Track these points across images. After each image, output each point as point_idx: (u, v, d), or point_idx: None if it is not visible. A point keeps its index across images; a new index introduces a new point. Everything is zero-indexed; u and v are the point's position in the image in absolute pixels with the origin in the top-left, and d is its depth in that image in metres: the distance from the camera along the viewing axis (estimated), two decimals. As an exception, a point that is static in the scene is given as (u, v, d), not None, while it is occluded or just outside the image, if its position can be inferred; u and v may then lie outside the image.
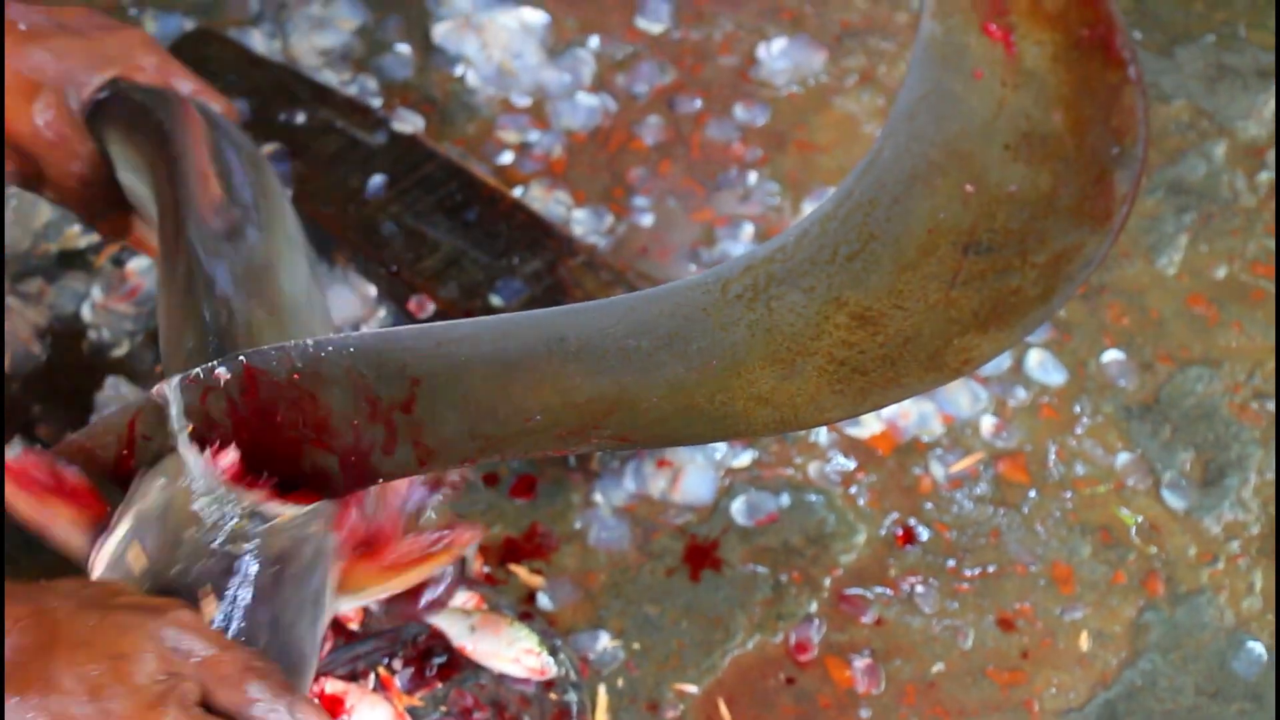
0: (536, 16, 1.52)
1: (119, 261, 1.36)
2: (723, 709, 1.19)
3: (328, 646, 1.09)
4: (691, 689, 1.20)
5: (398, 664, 1.11)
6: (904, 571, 1.25)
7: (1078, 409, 1.33)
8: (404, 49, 1.51)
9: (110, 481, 0.96)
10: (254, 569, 0.89)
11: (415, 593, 1.02)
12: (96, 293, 1.34)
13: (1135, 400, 1.34)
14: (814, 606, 1.24)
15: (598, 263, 1.33)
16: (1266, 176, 1.45)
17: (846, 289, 0.79)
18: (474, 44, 1.51)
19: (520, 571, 1.23)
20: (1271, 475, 1.30)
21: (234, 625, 0.88)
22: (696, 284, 0.83)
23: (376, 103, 1.46)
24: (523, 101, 1.48)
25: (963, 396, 1.32)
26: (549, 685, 1.13)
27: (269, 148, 1.36)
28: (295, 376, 0.90)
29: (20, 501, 0.94)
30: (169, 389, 0.93)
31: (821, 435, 1.31)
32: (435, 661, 1.12)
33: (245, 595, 0.89)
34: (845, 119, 1.48)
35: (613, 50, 1.52)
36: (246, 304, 1.01)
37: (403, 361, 0.88)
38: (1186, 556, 1.27)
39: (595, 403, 0.86)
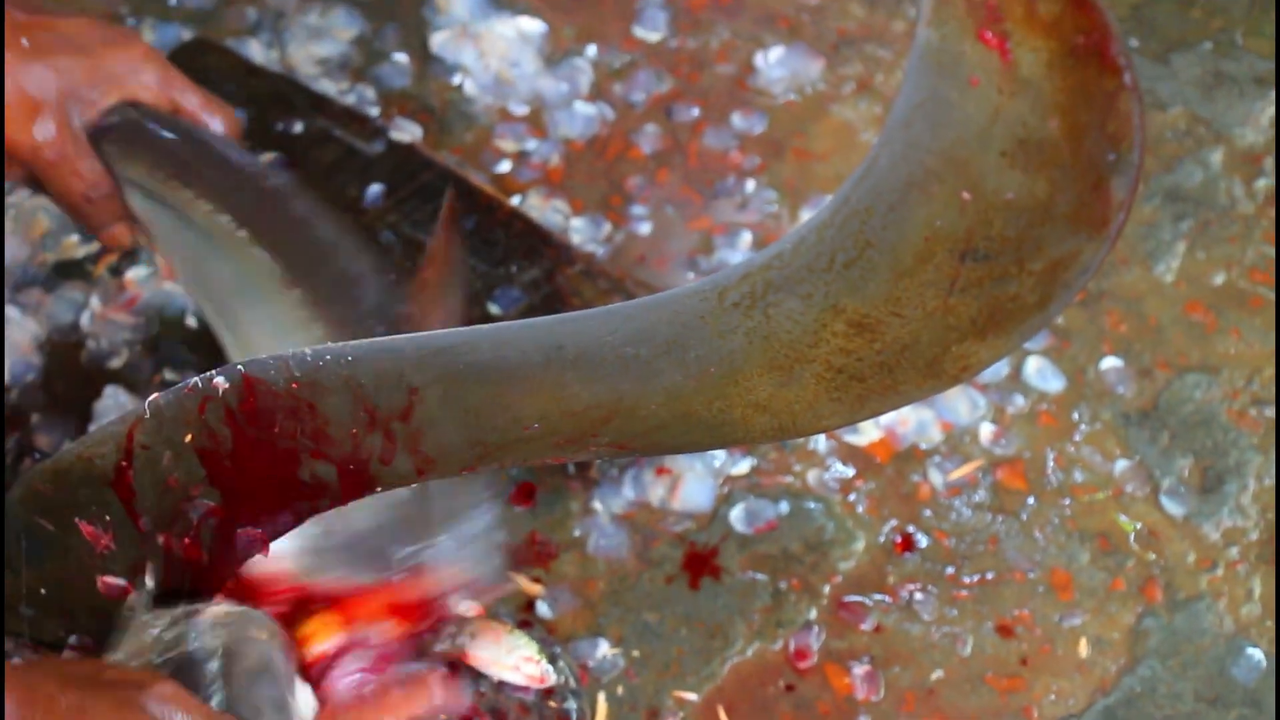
0: (534, 25, 1.52)
1: (117, 271, 1.36)
2: (722, 716, 1.19)
3: None
4: (691, 696, 1.20)
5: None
6: (903, 579, 1.25)
7: (1076, 416, 1.33)
8: (401, 58, 1.51)
9: (110, 491, 0.97)
10: (203, 660, 0.94)
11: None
12: (95, 302, 1.34)
13: (1134, 407, 1.34)
14: (813, 614, 1.24)
15: (595, 271, 1.33)
16: (1264, 183, 1.45)
17: (844, 296, 0.79)
18: (472, 53, 1.51)
19: (519, 579, 1.23)
20: (1270, 481, 1.30)
21: (214, 700, 0.93)
22: (694, 292, 0.84)
23: (374, 112, 1.46)
24: (520, 110, 1.48)
25: (961, 404, 1.32)
26: (549, 693, 1.13)
27: (267, 156, 1.36)
28: (294, 385, 0.90)
29: None
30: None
31: (820, 443, 1.31)
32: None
33: (209, 685, 0.94)
34: (842, 127, 1.48)
35: (610, 59, 1.52)
36: None
37: (401, 370, 0.89)
38: (1185, 563, 1.27)
39: (593, 410, 0.86)
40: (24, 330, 1.32)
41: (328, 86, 1.47)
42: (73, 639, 1.03)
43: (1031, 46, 0.68)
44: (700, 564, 1.25)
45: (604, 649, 1.21)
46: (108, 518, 0.98)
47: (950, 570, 1.26)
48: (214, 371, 0.92)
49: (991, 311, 0.77)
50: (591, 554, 1.26)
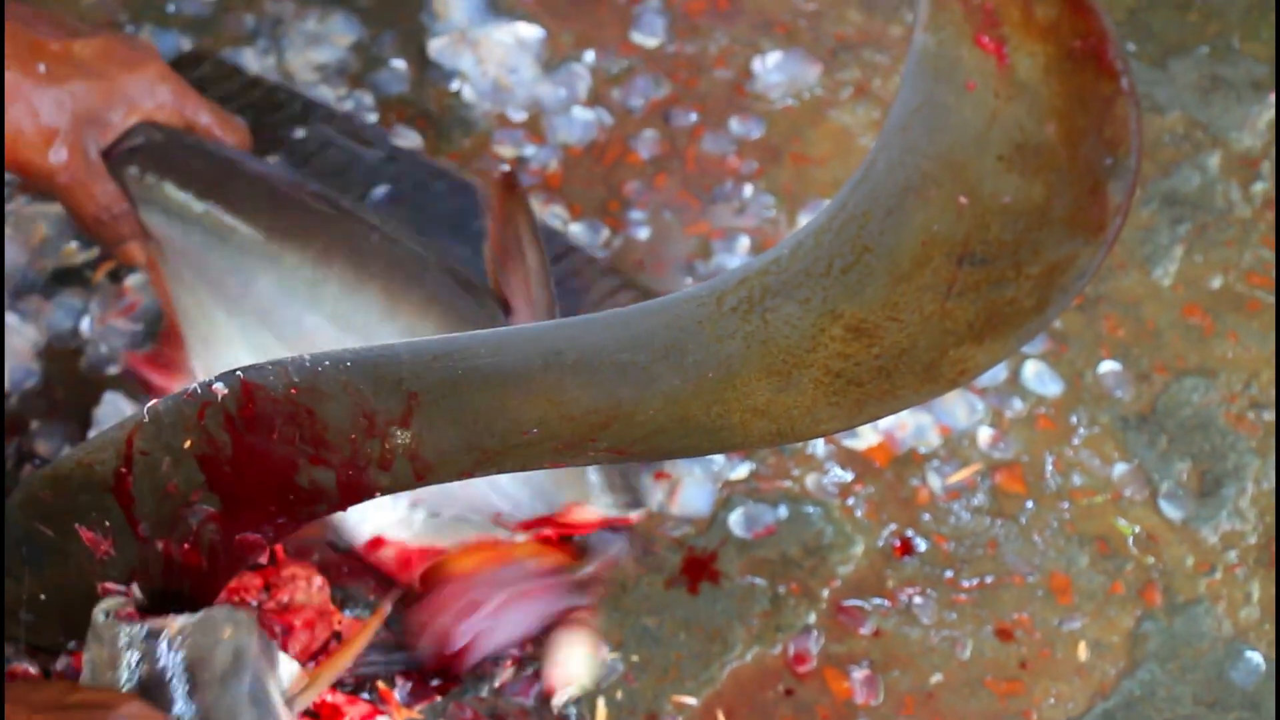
0: (532, 31, 1.52)
1: (116, 277, 1.36)
2: (721, 721, 1.20)
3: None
4: (690, 701, 1.20)
5: (398, 676, 1.12)
6: (902, 583, 1.25)
7: (1074, 420, 1.33)
8: (399, 64, 1.51)
9: (109, 496, 0.97)
10: (169, 678, 0.95)
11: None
12: (94, 309, 1.34)
13: (1132, 411, 1.34)
14: (812, 618, 1.24)
15: (604, 269, 1.33)
16: (1261, 187, 1.46)
17: (841, 301, 0.79)
18: (469, 59, 1.51)
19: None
20: (1268, 485, 1.30)
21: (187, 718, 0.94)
22: (692, 297, 0.84)
23: (373, 118, 1.46)
24: (518, 116, 1.49)
25: (959, 408, 1.32)
26: (548, 697, 1.14)
27: (271, 159, 1.37)
28: (293, 391, 0.90)
29: None
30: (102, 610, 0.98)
31: (819, 447, 1.31)
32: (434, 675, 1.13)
33: (176, 704, 0.94)
34: (840, 132, 1.48)
35: (608, 64, 1.52)
36: None
37: (399, 375, 0.89)
38: (1184, 566, 1.27)
39: (592, 415, 0.86)
40: (23, 336, 1.32)
41: (325, 93, 1.47)
42: (72, 644, 1.03)
43: (1028, 51, 0.68)
44: (699, 569, 1.25)
45: (603, 653, 1.21)
46: (107, 523, 0.98)
47: (949, 574, 1.26)
48: (214, 377, 0.92)
49: (989, 316, 0.77)
50: (590, 559, 1.26)
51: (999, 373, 1.35)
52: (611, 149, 1.47)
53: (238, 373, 0.91)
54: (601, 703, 1.19)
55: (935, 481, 1.30)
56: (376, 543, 1.17)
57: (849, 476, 1.30)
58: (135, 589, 1.00)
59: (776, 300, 0.81)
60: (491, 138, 1.47)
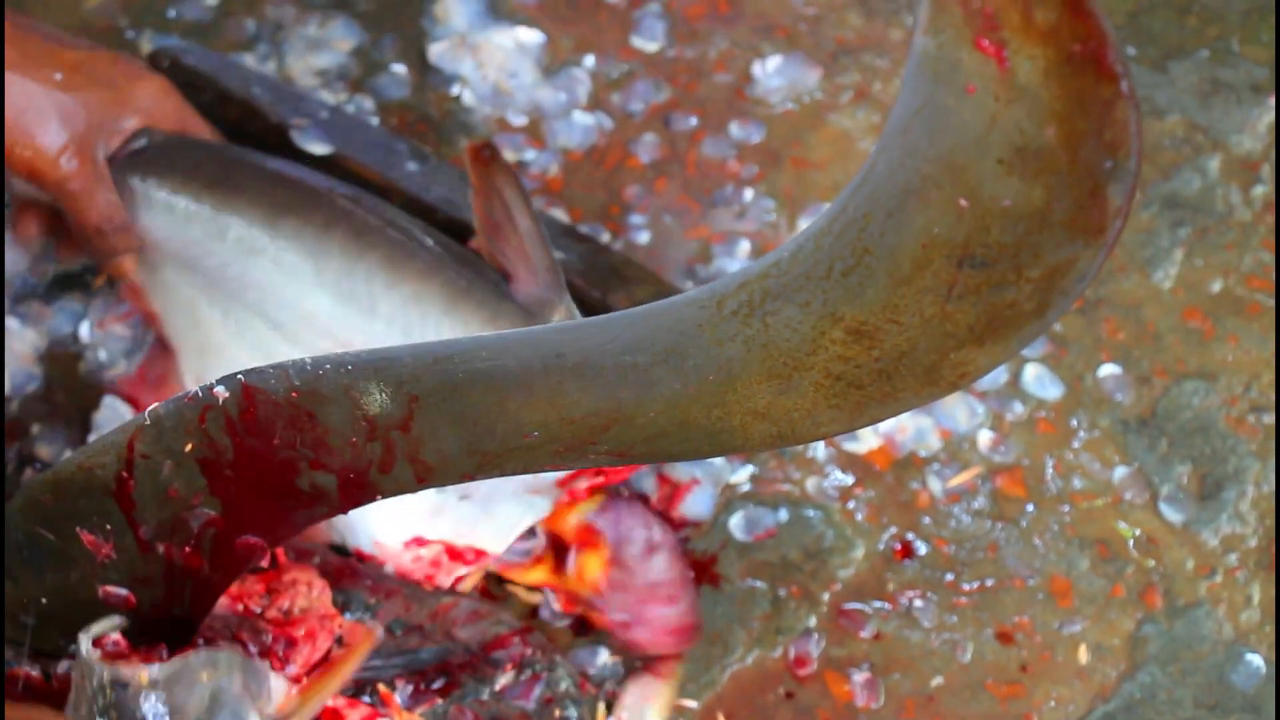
0: (532, 36, 1.52)
1: (115, 283, 1.36)
2: (722, 724, 1.20)
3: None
4: (691, 704, 1.20)
5: (399, 680, 1.12)
6: (902, 586, 1.25)
7: (1075, 423, 1.33)
8: (400, 69, 1.51)
9: (110, 500, 0.97)
10: None
11: None
12: (94, 313, 1.34)
13: (1132, 414, 1.34)
14: (813, 621, 1.24)
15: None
16: (1261, 190, 1.46)
17: (842, 304, 0.79)
18: (470, 64, 1.51)
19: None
20: (1269, 488, 1.30)
21: None
22: (692, 300, 0.84)
23: (374, 122, 1.46)
24: (519, 120, 1.49)
25: (960, 411, 1.32)
26: (549, 701, 1.14)
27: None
28: (294, 395, 0.90)
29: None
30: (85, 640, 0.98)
31: (819, 451, 1.31)
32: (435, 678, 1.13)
33: None
34: (840, 135, 1.48)
35: (608, 69, 1.52)
36: None
37: (400, 379, 0.89)
38: (1184, 569, 1.27)
39: (592, 418, 0.86)
40: (24, 341, 1.32)
41: (326, 98, 1.48)
42: (73, 648, 1.03)
43: (1029, 54, 0.68)
44: (699, 572, 1.25)
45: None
46: (108, 527, 0.98)
47: (950, 577, 1.26)
48: (215, 381, 0.92)
49: (989, 318, 0.77)
50: (591, 562, 1.26)
51: (999, 376, 1.35)
52: (612, 153, 1.47)
53: (239, 376, 0.91)
54: (602, 706, 1.19)
55: (935, 485, 1.30)
56: (418, 542, 1.19)
57: (849, 480, 1.30)
58: (122, 619, 1.00)
59: (777, 303, 0.81)
60: (492, 142, 1.47)
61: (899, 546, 1.27)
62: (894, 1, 1.56)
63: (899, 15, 1.55)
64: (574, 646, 1.21)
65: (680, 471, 1.28)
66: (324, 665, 1.04)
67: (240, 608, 1.08)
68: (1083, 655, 1.23)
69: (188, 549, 0.98)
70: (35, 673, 1.03)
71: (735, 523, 1.28)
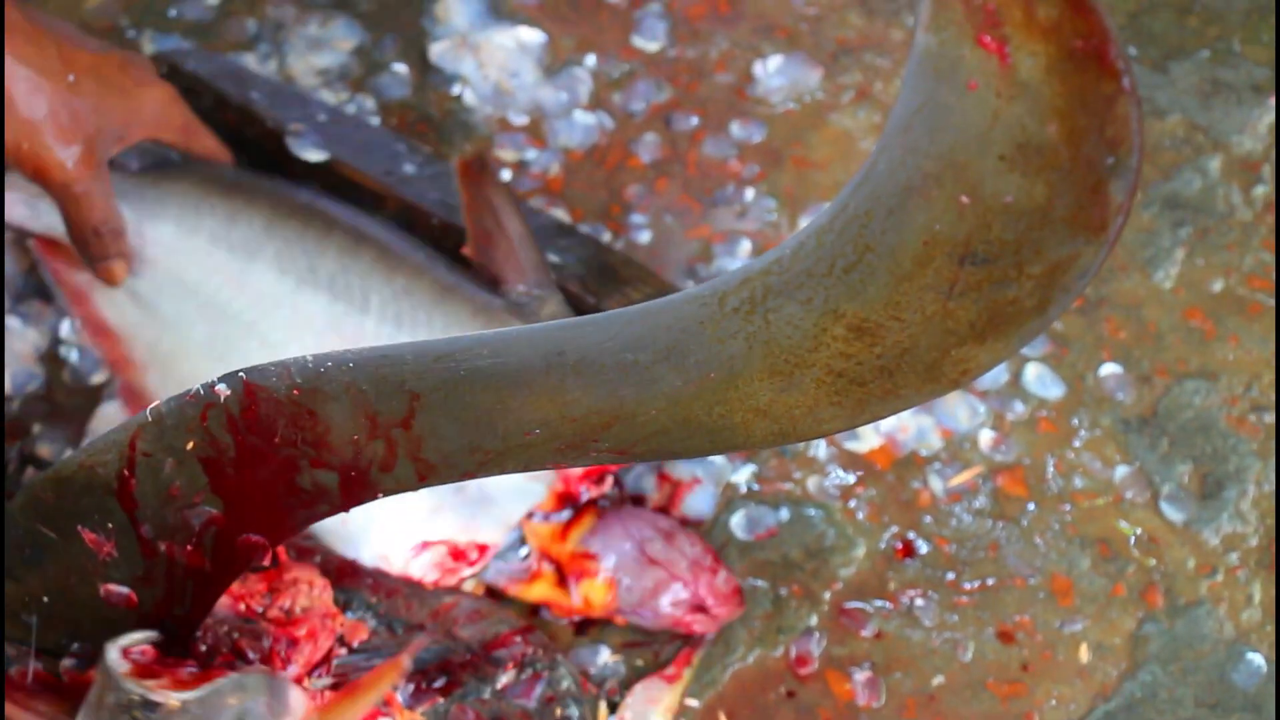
0: (533, 35, 1.52)
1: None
2: (723, 723, 1.20)
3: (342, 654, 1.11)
4: (692, 703, 1.20)
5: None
6: (903, 585, 1.25)
7: (1076, 422, 1.33)
8: (401, 68, 1.51)
9: (112, 498, 0.97)
10: None
11: None
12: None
13: (1133, 413, 1.34)
14: (814, 620, 1.24)
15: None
16: (1262, 190, 1.46)
17: (843, 301, 0.79)
18: (471, 63, 1.51)
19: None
20: (1270, 487, 1.30)
21: None
22: (694, 297, 0.84)
23: (375, 122, 1.46)
24: (520, 120, 1.49)
25: (961, 410, 1.32)
26: (550, 700, 1.14)
27: None
28: (295, 392, 0.90)
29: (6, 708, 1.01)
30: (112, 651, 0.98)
31: (820, 450, 1.31)
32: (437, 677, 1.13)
33: None
34: (841, 135, 1.48)
35: (609, 69, 1.52)
36: None
37: (402, 376, 0.89)
38: (1185, 569, 1.27)
39: (593, 416, 0.86)
40: (25, 340, 1.32)
41: (327, 97, 1.48)
42: (75, 647, 1.03)
43: (1030, 50, 0.68)
44: (701, 571, 1.25)
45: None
46: (110, 526, 0.98)
47: (951, 576, 1.26)
48: (216, 379, 0.92)
49: (991, 315, 0.77)
50: (592, 561, 1.26)
51: (1000, 375, 1.35)
52: (613, 153, 1.47)
53: (240, 374, 0.91)
54: (604, 706, 1.19)
55: (937, 484, 1.30)
56: (424, 546, 1.20)
57: (851, 479, 1.30)
58: (154, 633, 1.00)
59: (779, 300, 0.81)
60: (493, 142, 1.47)
61: (900, 545, 1.27)
62: (895, 1, 1.56)
63: (900, 15, 1.56)
64: (575, 645, 1.21)
65: (681, 470, 1.28)
66: (348, 687, 1.04)
67: (242, 607, 1.08)
68: (1084, 654, 1.23)
69: (189, 547, 0.98)
70: (40, 666, 1.03)
71: (736, 522, 1.28)
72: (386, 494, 0.94)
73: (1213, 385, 1.35)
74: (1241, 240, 1.43)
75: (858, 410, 0.83)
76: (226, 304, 1.26)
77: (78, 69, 1.19)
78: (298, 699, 0.99)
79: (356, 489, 0.93)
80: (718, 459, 1.29)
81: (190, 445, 0.93)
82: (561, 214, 1.42)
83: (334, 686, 1.07)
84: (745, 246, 1.41)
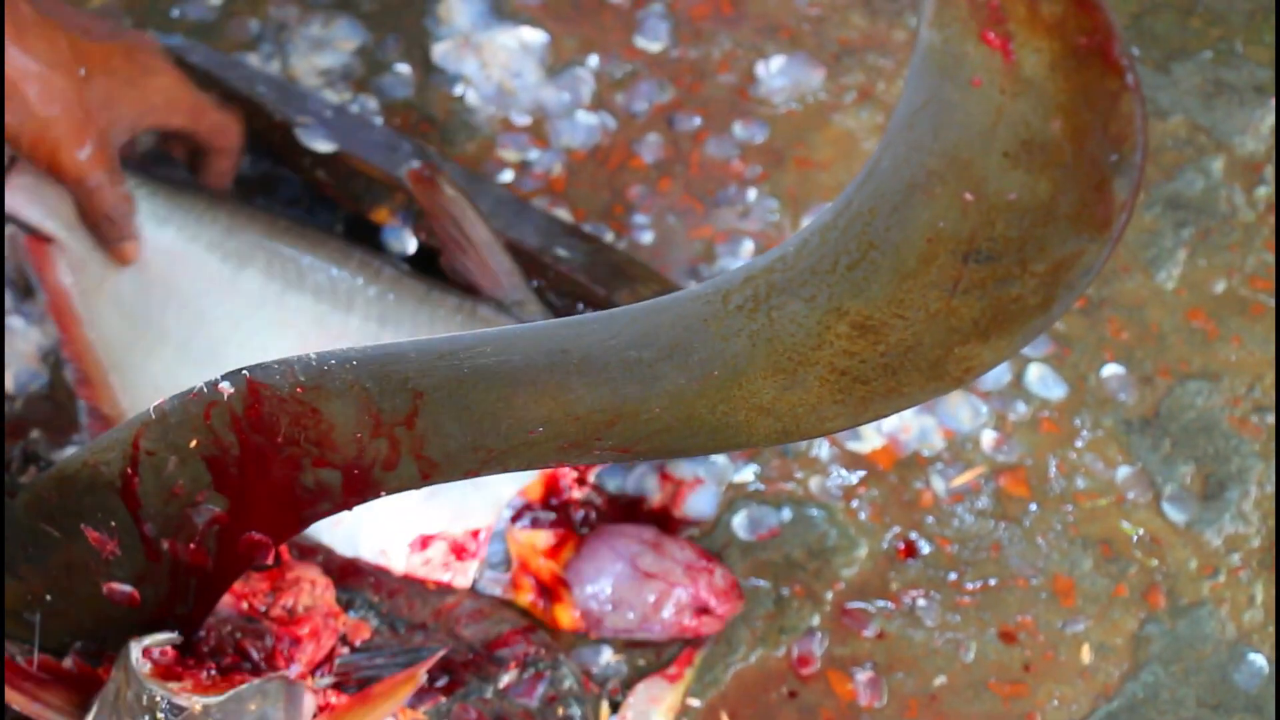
0: (536, 36, 1.52)
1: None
2: (725, 723, 1.20)
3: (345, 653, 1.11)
4: (694, 703, 1.20)
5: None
6: (905, 585, 1.25)
7: (1078, 423, 1.33)
8: (403, 69, 1.51)
9: (115, 497, 0.97)
10: None
11: None
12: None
13: (1135, 414, 1.34)
14: (816, 620, 1.24)
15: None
16: (1264, 191, 1.46)
17: (847, 298, 0.79)
18: (473, 63, 1.51)
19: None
20: (1272, 488, 1.30)
21: None
22: (697, 295, 0.84)
23: (377, 122, 1.46)
24: (522, 120, 1.49)
25: (963, 410, 1.32)
26: (552, 699, 1.14)
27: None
28: (299, 390, 0.90)
29: (14, 698, 1.02)
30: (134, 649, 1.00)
31: (823, 450, 1.31)
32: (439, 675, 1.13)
33: None
34: (844, 136, 1.48)
35: (612, 69, 1.52)
36: None
37: (405, 374, 0.89)
38: (1187, 569, 1.27)
39: (597, 414, 0.86)
40: (28, 340, 1.32)
41: (330, 97, 1.48)
42: (77, 645, 1.03)
43: (1034, 47, 0.68)
44: (703, 571, 1.25)
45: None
46: (113, 524, 0.98)
47: (953, 577, 1.26)
48: (220, 376, 0.92)
49: (994, 313, 0.77)
50: (595, 561, 1.26)
51: (1002, 376, 1.35)
52: (615, 153, 1.47)
53: (244, 372, 0.91)
54: (605, 705, 1.19)
55: (939, 484, 1.30)
56: (423, 542, 1.20)
57: (853, 479, 1.30)
58: (176, 634, 1.01)
59: (782, 298, 0.81)
60: (495, 142, 1.47)
61: (902, 546, 1.27)
62: (898, 2, 1.57)
63: (902, 16, 1.56)
64: (577, 645, 1.21)
65: (683, 470, 1.28)
66: (361, 694, 1.04)
67: (244, 606, 1.08)
68: (1086, 655, 1.23)
69: (192, 546, 0.98)
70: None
71: (739, 522, 1.28)
72: (389, 492, 0.94)
73: (1215, 386, 1.35)
74: (1244, 241, 1.43)
75: (861, 408, 0.83)
76: (212, 307, 1.27)
77: (89, 62, 1.20)
78: (310, 703, 1.00)
79: (359, 487, 0.93)
80: (720, 459, 1.29)
81: (194, 443, 0.93)
82: (564, 214, 1.42)
83: (337, 686, 1.07)
84: (748, 247, 1.41)
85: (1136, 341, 1.37)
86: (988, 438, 1.32)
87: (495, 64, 1.51)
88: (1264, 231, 1.43)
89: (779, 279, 0.81)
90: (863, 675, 1.21)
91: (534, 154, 1.47)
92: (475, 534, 1.21)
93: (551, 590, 1.21)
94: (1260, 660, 1.23)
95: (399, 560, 1.21)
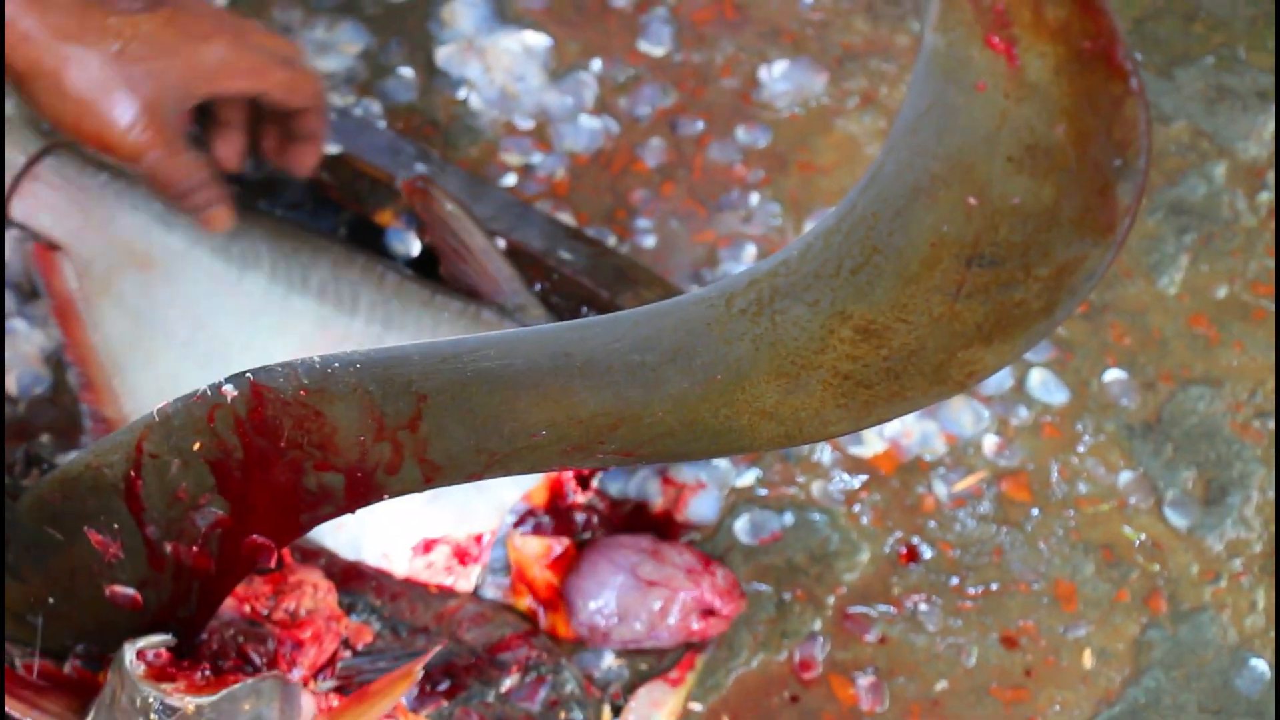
0: (539, 40, 1.52)
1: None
2: (727, 727, 1.20)
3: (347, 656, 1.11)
4: (696, 707, 1.20)
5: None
6: (907, 590, 1.26)
7: (1080, 428, 1.33)
8: (407, 72, 1.52)
9: (118, 499, 0.97)
10: None
11: None
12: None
13: (1137, 419, 1.34)
14: (818, 624, 1.24)
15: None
16: (1266, 197, 1.46)
17: (850, 302, 0.79)
18: (477, 67, 1.51)
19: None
20: (1273, 494, 1.30)
21: None
22: (701, 299, 0.84)
23: (381, 125, 1.47)
24: (525, 124, 1.49)
25: (965, 415, 1.32)
26: (554, 703, 1.14)
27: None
28: (302, 393, 0.90)
29: (13, 705, 1.01)
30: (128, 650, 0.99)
31: (825, 454, 1.31)
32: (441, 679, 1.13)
33: None
34: (847, 140, 1.48)
35: (615, 73, 1.52)
36: None
37: (409, 377, 0.89)
38: (1189, 574, 1.27)
39: (600, 418, 0.86)
40: (31, 343, 1.32)
41: (334, 100, 1.48)
42: (79, 648, 1.03)
43: (1039, 51, 0.68)
44: (705, 575, 1.25)
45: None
46: (116, 526, 0.98)
47: (955, 581, 1.26)
48: (223, 379, 0.92)
49: (998, 317, 0.77)
50: (597, 565, 1.26)
51: (1004, 381, 1.35)
52: (618, 157, 1.47)
53: (247, 374, 0.91)
54: (607, 710, 1.19)
55: (941, 489, 1.30)
56: (426, 546, 1.20)
57: (855, 484, 1.30)
58: (170, 636, 1.01)
59: (785, 302, 0.81)
60: (499, 146, 1.47)
61: (904, 550, 1.27)
62: (900, 7, 1.57)
63: (905, 20, 1.56)
64: (579, 649, 1.21)
65: (685, 474, 1.28)
66: (359, 693, 1.04)
67: (247, 609, 1.08)
68: (1087, 660, 1.23)
69: (195, 549, 0.98)
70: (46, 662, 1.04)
71: (740, 526, 1.28)
72: (392, 496, 0.94)
73: (1217, 391, 1.35)
74: (1246, 246, 1.43)
75: (864, 412, 0.83)
76: (215, 310, 1.27)
77: (123, 36, 1.15)
78: (309, 704, 1.00)
79: (362, 490, 0.93)
80: (722, 463, 1.29)
81: (197, 446, 0.93)
82: (567, 218, 1.42)
83: (339, 689, 1.07)
84: (750, 251, 1.41)
85: (1138, 347, 1.37)
86: (990, 443, 1.32)
87: (498, 68, 1.51)
88: (1266, 237, 1.43)
89: (782, 283, 0.81)
90: (864, 680, 1.21)
91: (537, 158, 1.47)
92: (478, 538, 1.21)
93: (549, 602, 1.21)
94: (1262, 665, 1.23)
95: (401, 564, 1.21)
